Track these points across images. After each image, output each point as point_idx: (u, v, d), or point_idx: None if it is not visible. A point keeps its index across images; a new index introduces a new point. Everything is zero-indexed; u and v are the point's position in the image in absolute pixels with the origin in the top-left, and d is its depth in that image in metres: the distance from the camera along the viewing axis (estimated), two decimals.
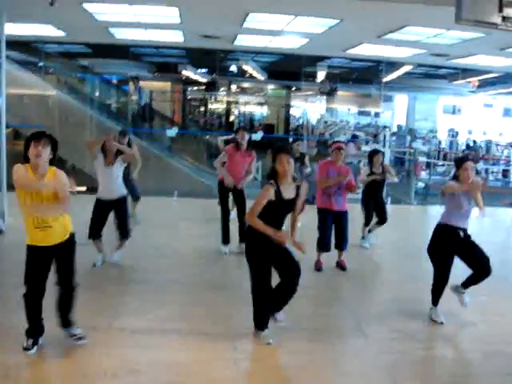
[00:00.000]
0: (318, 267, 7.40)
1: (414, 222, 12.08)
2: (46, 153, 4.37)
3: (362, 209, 8.93)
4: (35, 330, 4.62)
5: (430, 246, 5.80)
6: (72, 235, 4.69)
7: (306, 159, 9.92)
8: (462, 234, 5.67)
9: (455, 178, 5.67)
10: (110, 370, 4.41)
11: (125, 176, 7.52)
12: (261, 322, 5.04)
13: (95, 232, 6.96)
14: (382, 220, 8.92)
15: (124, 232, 7.14)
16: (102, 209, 7.01)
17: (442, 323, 5.70)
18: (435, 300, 5.81)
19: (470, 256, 5.69)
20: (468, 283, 5.83)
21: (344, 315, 5.20)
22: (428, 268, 5.97)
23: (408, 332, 5.55)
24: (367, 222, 8.91)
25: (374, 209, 8.91)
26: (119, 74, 22.54)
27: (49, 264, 4.59)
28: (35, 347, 4.58)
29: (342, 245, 7.45)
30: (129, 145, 8.67)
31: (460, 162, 5.68)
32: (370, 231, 8.99)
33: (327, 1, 8.82)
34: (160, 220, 9.86)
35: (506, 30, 6.03)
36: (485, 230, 10.57)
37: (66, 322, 4.76)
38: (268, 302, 5.00)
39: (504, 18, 5.97)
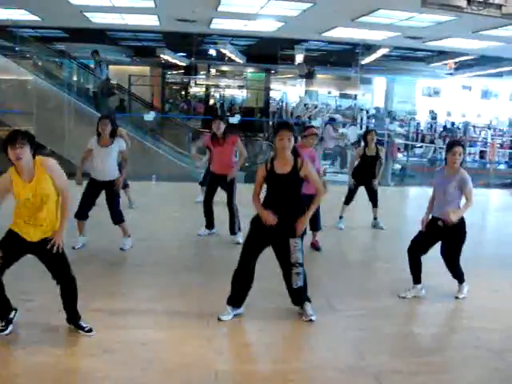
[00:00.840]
0: None
1: (390, 204, 12.24)
2: (26, 152, 4.27)
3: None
4: (4, 311, 4.67)
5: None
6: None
7: None
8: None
9: (445, 160, 5.80)
10: (86, 351, 4.54)
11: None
12: (229, 297, 5.18)
13: (81, 212, 6.95)
14: (374, 204, 9.10)
15: (115, 216, 7.11)
16: (92, 188, 7.03)
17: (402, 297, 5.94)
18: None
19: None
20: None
21: (314, 293, 5.34)
22: (401, 248, 6.15)
23: (378, 309, 5.73)
24: (346, 202, 9.03)
25: (367, 191, 9.03)
26: None
27: (19, 256, 4.59)
28: (10, 326, 4.66)
29: (315, 226, 7.59)
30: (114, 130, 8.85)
31: (449, 146, 5.81)
32: (375, 218, 9.18)
33: None
34: (138, 204, 9.95)
35: (471, 12, 6.20)
36: None
37: (72, 315, 4.78)
38: (239, 282, 5.12)
39: (469, 1, 6.12)
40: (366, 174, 8.91)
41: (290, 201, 5.00)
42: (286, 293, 5.11)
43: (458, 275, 6.03)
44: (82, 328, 4.77)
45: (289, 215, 4.96)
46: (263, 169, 5.04)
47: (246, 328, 5.08)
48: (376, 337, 5.11)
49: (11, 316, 4.71)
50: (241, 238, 7.29)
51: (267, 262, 5.25)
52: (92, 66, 17.36)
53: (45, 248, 4.51)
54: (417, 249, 5.95)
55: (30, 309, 5.13)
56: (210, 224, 8.08)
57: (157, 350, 4.58)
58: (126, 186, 9.34)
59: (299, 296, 5.15)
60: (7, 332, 4.62)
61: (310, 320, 5.07)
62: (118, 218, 7.14)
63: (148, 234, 8.10)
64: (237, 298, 5.16)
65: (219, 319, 5.07)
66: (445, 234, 5.76)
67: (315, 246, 7.69)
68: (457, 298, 6.02)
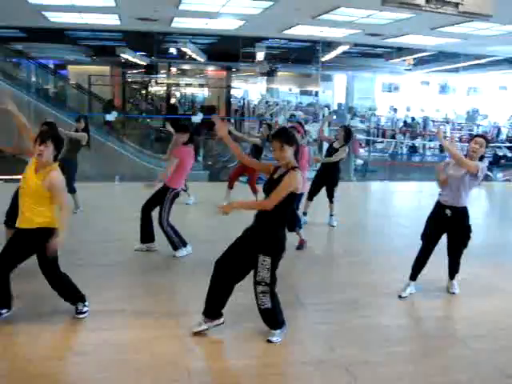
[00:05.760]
0: None
1: (353, 199, 12.42)
2: (48, 152, 4.66)
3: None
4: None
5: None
6: (44, 229, 4.73)
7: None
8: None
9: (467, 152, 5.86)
10: (56, 353, 4.51)
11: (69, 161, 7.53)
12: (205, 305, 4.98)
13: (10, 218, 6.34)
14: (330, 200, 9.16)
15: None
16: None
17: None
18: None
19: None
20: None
21: (282, 289, 5.38)
22: (364, 242, 6.25)
23: (345, 302, 5.84)
24: (310, 197, 9.03)
25: (326, 187, 9.07)
26: (56, 58, 22.13)
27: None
28: None
29: (291, 226, 7.37)
30: (86, 129, 8.89)
31: (472, 136, 6.03)
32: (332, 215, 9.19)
33: None
34: (102, 205, 9.87)
35: (429, 10, 6.34)
36: (423, 204, 11.03)
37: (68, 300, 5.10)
38: (213, 282, 4.87)
39: (427, 0, 6.26)
40: (327, 172, 9.03)
41: (271, 212, 4.58)
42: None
43: (455, 271, 6.17)
44: (76, 309, 5.09)
45: (264, 228, 4.69)
46: (271, 168, 4.81)
47: (198, 331, 5.04)
48: (345, 330, 5.20)
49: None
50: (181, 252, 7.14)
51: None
52: (51, 66, 17.13)
53: (27, 238, 4.76)
54: (429, 241, 6.02)
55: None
56: (145, 237, 7.36)
57: (128, 350, 4.58)
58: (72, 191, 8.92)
59: (268, 318, 4.84)
60: None
61: (268, 340, 4.79)
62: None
63: (112, 235, 8.05)
64: (210, 307, 4.94)
65: (193, 332, 4.91)
66: (451, 224, 5.86)
67: (300, 245, 7.69)
68: (453, 293, 6.16)
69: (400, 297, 6.02)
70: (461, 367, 4.62)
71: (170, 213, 7.05)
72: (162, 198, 7.04)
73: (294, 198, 4.67)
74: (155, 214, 7.13)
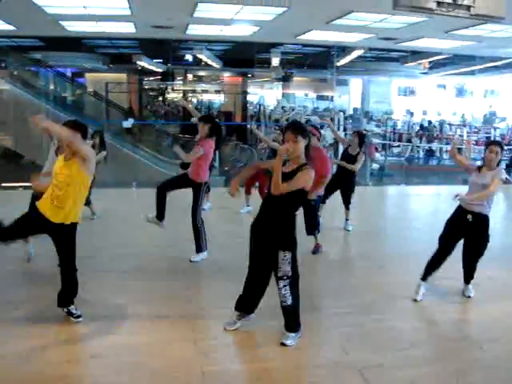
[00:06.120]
0: None
1: (369, 203, 12.41)
2: (77, 137, 4.78)
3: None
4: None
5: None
6: (69, 224, 4.89)
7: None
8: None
9: (483, 159, 5.98)
10: (73, 357, 4.58)
11: None
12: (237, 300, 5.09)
13: None
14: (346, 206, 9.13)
15: None
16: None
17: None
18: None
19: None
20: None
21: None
22: (379, 247, 6.24)
23: (359, 306, 5.84)
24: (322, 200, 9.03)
25: (341, 192, 9.05)
26: (73, 66, 22.39)
27: (35, 230, 5.05)
28: None
29: (308, 230, 7.49)
30: (101, 144, 8.95)
31: (487, 145, 6.09)
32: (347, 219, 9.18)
33: None
34: (119, 211, 9.97)
35: (441, 14, 6.35)
36: (440, 208, 10.99)
37: (64, 301, 5.10)
38: (246, 284, 5.03)
39: (439, 3, 6.28)
40: (341, 177, 9.01)
41: (282, 206, 4.65)
42: (273, 292, 5.06)
43: (471, 276, 6.17)
44: (72, 314, 5.09)
45: (279, 224, 4.70)
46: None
47: (230, 330, 5.12)
48: (359, 333, 5.20)
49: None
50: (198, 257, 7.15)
51: None
52: (69, 74, 17.36)
53: (59, 233, 4.89)
54: (446, 243, 6.01)
55: (17, 318, 5.16)
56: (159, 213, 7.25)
57: (143, 353, 4.63)
58: (89, 203, 8.88)
59: (289, 317, 4.84)
60: None
61: (282, 343, 4.79)
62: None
63: (129, 241, 8.12)
64: (243, 303, 5.08)
65: (225, 329, 5.06)
66: (470, 229, 5.85)
67: (316, 250, 7.70)
68: (469, 296, 6.15)
69: (415, 300, 6.02)
70: (475, 370, 4.61)
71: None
72: (196, 194, 7.02)
73: (303, 195, 4.68)
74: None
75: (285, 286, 4.73)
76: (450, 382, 4.36)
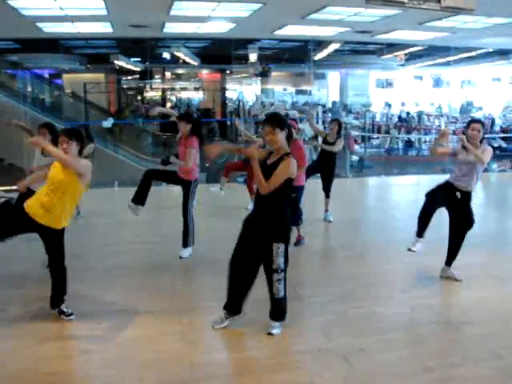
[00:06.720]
0: None
1: (349, 195, 12.57)
2: (72, 148, 4.94)
3: None
4: None
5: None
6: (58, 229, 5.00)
7: None
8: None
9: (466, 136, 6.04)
10: (63, 353, 4.66)
11: None
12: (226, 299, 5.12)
13: None
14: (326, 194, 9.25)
15: None
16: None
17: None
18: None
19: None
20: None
21: None
22: (360, 237, 6.37)
23: (341, 294, 5.98)
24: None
25: (322, 177, 9.20)
26: (50, 67, 22.26)
27: (22, 229, 5.06)
28: None
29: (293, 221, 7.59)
30: (89, 138, 9.13)
31: (468, 123, 6.19)
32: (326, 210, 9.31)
33: None
34: (103, 210, 10.02)
35: (412, 7, 6.50)
36: (419, 198, 11.16)
37: (55, 301, 5.19)
38: (230, 280, 5.03)
39: None
40: (323, 163, 9.17)
41: (274, 198, 4.72)
42: (258, 283, 5.13)
43: (453, 257, 6.33)
44: (63, 312, 5.19)
45: (272, 215, 4.76)
46: (262, 152, 4.89)
47: (219, 328, 5.20)
48: (341, 320, 5.33)
49: None
50: (186, 253, 7.15)
51: None
52: (46, 75, 17.29)
53: (46, 235, 5.00)
54: (432, 200, 6.16)
55: (3, 319, 5.23)
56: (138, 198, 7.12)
57: (131, 348, 4.72)
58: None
59: (279, 308, 4.94)
60: None
61: (269, 333, 4.92)
62: None
63: (114, 239, 8.20)
64: (230, 305, 5.10)
65: (213, 327, 5.09)
66: (457, 205, 6.06)
67: (298, 241, 7.78)
68: (457, 280, 6.31)
69: (409, 250, 6.19)
70: (454, 351, 4.77)
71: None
72: (186, 192, 7.06)
73: (291, 183, 4.77)
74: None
75: (279, 279, 4.81)
76: (430, 362, 4.51)
